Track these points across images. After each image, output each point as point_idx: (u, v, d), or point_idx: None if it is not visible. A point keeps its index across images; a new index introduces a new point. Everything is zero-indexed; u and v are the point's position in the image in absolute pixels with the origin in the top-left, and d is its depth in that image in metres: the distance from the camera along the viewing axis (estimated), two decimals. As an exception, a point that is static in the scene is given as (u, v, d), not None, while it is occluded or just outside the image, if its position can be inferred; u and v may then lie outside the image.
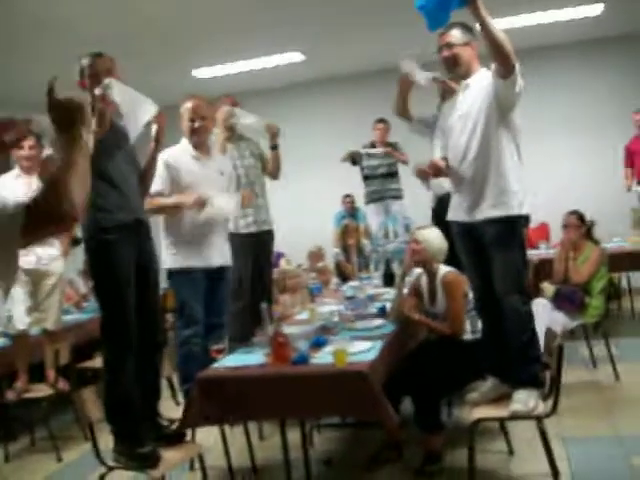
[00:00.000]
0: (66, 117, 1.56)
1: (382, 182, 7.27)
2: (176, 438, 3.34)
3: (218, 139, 4.64)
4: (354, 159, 7.38)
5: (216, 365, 3.42)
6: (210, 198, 4.04)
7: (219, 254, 4.29)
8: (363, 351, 3.31)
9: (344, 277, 6.55)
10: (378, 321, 4.05)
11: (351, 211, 8.68)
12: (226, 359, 3.58)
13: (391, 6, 6.17)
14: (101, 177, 3.25)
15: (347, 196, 8.72)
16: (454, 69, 3.58)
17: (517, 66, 3.25)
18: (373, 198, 7.34)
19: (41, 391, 4.68)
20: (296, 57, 7.70)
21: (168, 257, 4.18)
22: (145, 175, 3.65)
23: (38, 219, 1.42)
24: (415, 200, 7.03)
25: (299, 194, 9.16)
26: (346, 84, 9.08)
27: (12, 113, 1.84)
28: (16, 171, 4.88)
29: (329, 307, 4.59)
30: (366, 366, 3.08)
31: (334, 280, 6.37)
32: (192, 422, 3.28)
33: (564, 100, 8.53)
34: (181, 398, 3.93)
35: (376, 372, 3.12)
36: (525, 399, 3.23)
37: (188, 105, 4.23)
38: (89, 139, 1.60)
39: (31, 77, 7.01)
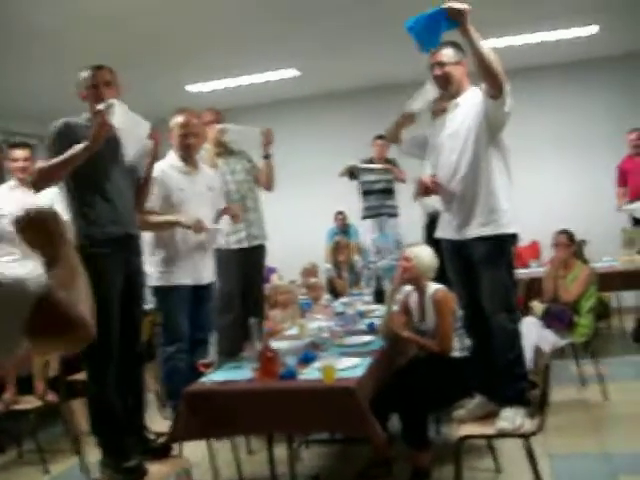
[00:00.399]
0: (44, 230, 1.47)
1: (379, 198, 7.28)
2: (163, 452, 3.34)
3: (208, 155, 4.63)
4: (352, 173, 7.39)
5: (203, 379, 3.42)
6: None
7: (207, 271, 4.31)
8: (351, 367, 3.32)
9: (335, 293, 6.56)
10: (367, 337, 4.07)
11: (343, 227, 8.71)
12: (214, 373, 3.58)
13: (387, 24, 6.22)
14: (94, 190, 3.28)
15: (339, 213, 8.76)
16: (445, 87, 3.63)
17: (507, 86, 3.29)
18: (369, 214, 7.36)
19: (29, 403, 4.63)
20: (291, 73, 7.75)
21: (156, 274, 4.14)
22: (141, 191, 3.68)
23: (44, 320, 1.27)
24: (409, 218, 7.07)
25: (292, 210, 9.17)
26: (341, 100, 9.13)
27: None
28: (12, 182, 4.89)
29: (319, 323, 4.59)
30: (354, 382, 3.09)
31: (325, 296, 6.37)
32: (179, 436, 3.28)
33: (556, 119, 8.59)
34: (168, 413, 3.92)
35: (364, 388, 3.13)
36: (512, 417, 3.25)
37: (179, 120, 4.25)
38: (72, 245, 1.52)
39: (24, 86, 7.08)
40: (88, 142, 3.17)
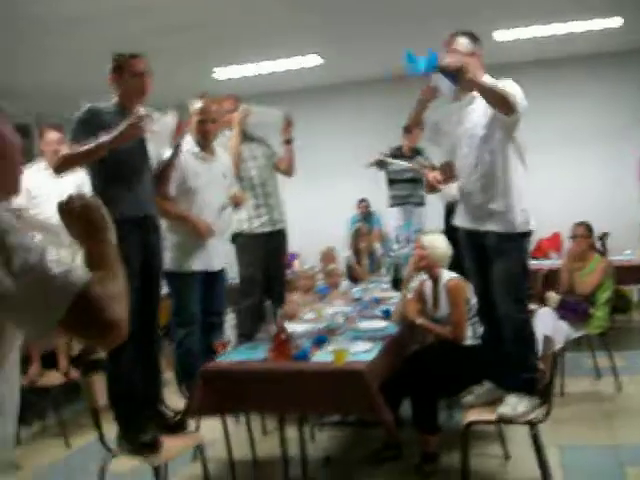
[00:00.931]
0: (91, 224, 1.50)
1: (407, 187, 7.27)
2: (178, 428, 3.45)
3: (232, 143, 4.68)
4: (381, 162, 7.38)
5: (219, 359, 3.52)
6: None
7: (219, 257, 4.39)
8: (363, 351, 3.41)
9: (354, 279, 6.63)
10: (381, 323, 4.14)
11: (365, 215, 8.77)
12: (229, 353, 3.69)
13: (411, 12, 6.25)
14: (114, 173, 3.37)
15: (362, 200, 8.82)
16: (458, 80, 3.59)
17: (518, 104, 3.30)
18: (396, 202, 7.38)
19: (53, 379, 4.81)
20: (315, 60, 7.79)
21: (168, 259, 4.15)
22: (161, 175, 3.77)
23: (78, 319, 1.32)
24: (434, 207, 7.09)
25: (315, 197, 9.25)
26: (365, 89, 9.15)
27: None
28: (41, 164, 5.00)
29: (336, 308, 4.68)
30: (364, 365, 3.17)
31: (344, 282, 6.45)
32: (194, 412, 3.39)
33: (578, 110, 8.53)
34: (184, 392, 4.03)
35: (373, 372, 3.21)
36: (514, 404, 3.30)
37: (198, 105, 4.31)
38: (114, 239, 1.54)
39: (57, 70, 7.22)
40: (115, 136, 3.24)
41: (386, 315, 4.34)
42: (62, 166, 3.41)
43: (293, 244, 7.96)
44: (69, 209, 1.51)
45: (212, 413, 3.49)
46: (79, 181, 4.43)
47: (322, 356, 3.39)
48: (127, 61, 3.48)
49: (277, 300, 4.48)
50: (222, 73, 8.03)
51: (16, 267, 1.28)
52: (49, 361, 4.82)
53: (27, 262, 1.29)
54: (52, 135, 5.00)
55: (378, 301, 4.83)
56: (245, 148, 4.74)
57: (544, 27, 7.01)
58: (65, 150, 3.44)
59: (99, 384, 3.29)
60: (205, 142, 4.34)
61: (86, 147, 3.27)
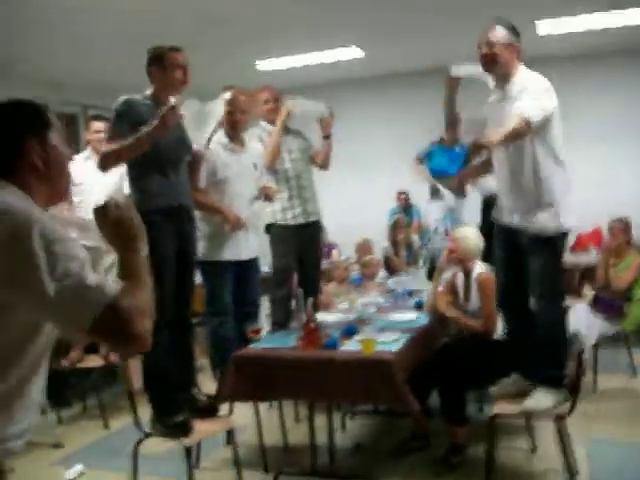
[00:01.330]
0: (124, 233, 1.59)
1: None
2: (210, 412, 3.55)
3: (272, 138, 4.70)
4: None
5: (252, 345, 3.62)
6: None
7: (249, 247, 4.47)
8: (391, 341, 3.46)
9: (391, 271, 6.67)
10: (413, 314, 4.18)
11: (404, 207, 8.78)
12: (262, 341, 3.78)
13: (452, 5, 6.22)
14: (151, 164, 3.47)
15: (402, 193, 8.83)
16: (491, 69, 3.56)
17: (532, 121, 3.28)
18: (437, 196, 7.34)
19: (93, 362, 4.97)
20: (356, 53, 7.81)
21: (202, 248, 4.24)
22: (192, 168, 3.87)
23: (104, 329, 1.45)
24: (475, 201, 7.06)
25: (356, 188, 9.31)
26: (404, 81, 9.14)
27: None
28: (86, 153, 5.16)
29: (370, 299, 4.73)
30: (391, 355, 3.22)
31: (381, 273, 6.50)
32: (226, 396, 3.49)
33: (614, 105, 8.37)
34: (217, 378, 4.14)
35: (401, 362, 3.25)
36: (540, 398, 3.31)
37: (227, 96, 4.37)
38: (145, 249, 1.62)
39: (100, 62, 7.40)
40: (152, 129, 3.30)
41: (418, 306, 4.38)
42: (105, 163, 3.48)
43: (332, 235, 8.07)
44: (104, 214, 1.61)
45: (243, 399, 3.58)
46: (122, 170, 4.56)
47: (351, 345, 3.45)
48: (166, 54, 3.56)
49: (311, 290, 4.55)
50: (264, 65, 8.10)
51: (58, 273, 1.43)
52: (90, 345, 4.98)
53: (69, 270, 1.44)
54: (97, 125, 5.15)
55: (411, 293, 4.87)
56: (280, 141, 4.80)
57: (583, 19, 6.89)
58: (106, 146, 3.51)
59: (135, 368, 3.42)
60: (234, 133, 4.42)
61: (126, 143, 3.34)
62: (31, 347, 1.57)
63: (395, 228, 7.02)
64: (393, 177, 8.75)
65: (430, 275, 5.48)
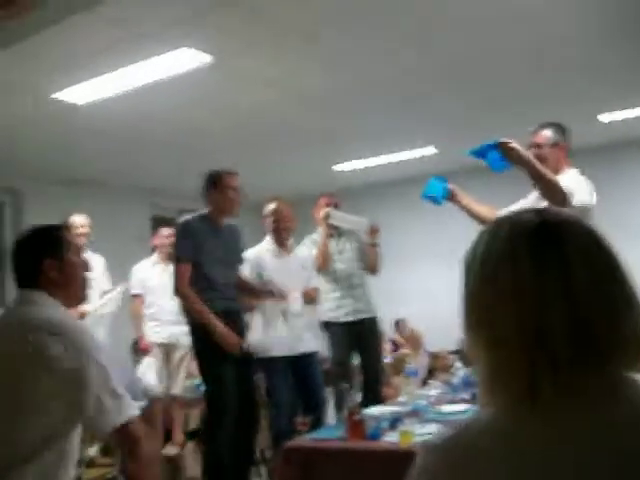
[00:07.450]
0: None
1: None
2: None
3: (320, 240, 5.09)
4: None
5: (300, 437, 3.86)
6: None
7: (302, 342, 4.73)
8: (428, 433, 3.60)
9: (467, 362, 6.73)
10: (464, 407, 4.28)
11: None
12: (313, 432, 4.02)
13: (521, 100, 6.44)
14: (201, 276, 3.90)
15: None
16: None
17: (573, 197, 3.38)
18: None
19: (171, 451, 5.31)
20: (429, 151, 8.15)
21: (255, 344, 4.51)
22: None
23: None
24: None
25: (428, 280, 9.51)
26: (476, 175, 9.33)
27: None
28: (154, 258, 5.70)
29: (427, 391, 4.86)
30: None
31: (456, 364, 6.58)
32: (276, 486, 3.73)
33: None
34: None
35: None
36: None
37: (272, 207, 4.77)
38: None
39: (176, 172, 8.08)
40: (221, 338, 3.87)
41: (473, 398, 4.47)
42: (181, 300, 3.99)
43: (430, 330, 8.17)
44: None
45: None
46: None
47: (392, 436, 3.63)
48: (222, 177, 3.99)
49: (372, 383, 4.78)
50: (342, 166, 8.55)
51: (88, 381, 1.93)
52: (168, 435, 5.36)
53: (96, 379, 1.95)
54: (164, 231, 5.70)
55: (469, 383, 4.95)
56: (332, 242, 5.15)
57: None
58: (186, 287, 3.97)
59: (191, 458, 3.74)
60: (280, 239, 4.77)
61: (206, 316, 3.88)
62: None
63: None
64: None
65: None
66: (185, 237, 3.87)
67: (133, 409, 1.97)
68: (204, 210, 4.07)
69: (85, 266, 2.24)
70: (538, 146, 3.74)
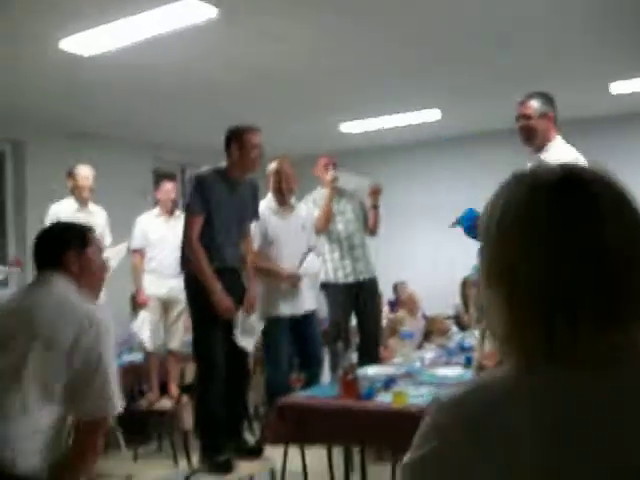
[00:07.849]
0: None
1: None
2: (256, 453, 3.86)
3: (324, 202, 5.10)
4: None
5: (294, 394, 3.91)
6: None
7: (304, 301, 4.78)
8: (423, 396, 3.65)
9: (463, 327, 6.80)
10: (458, 370, 4.32)
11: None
12: (307, 390, 4.06)
13: (527, 68, 6.37)
14: (208, 232, 3.91)
15: (482, 249, 8.92)
16: (529, 140, 3.76)
17: None
18: None
19: (167, 405, 5.38)
20: (434, 114, 8.08)
21: (258, 305, 4.50)
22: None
23: None
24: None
25: (432, 246, 9.48)
26: (481, 142, 9.28)
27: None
28: (156, 211, 5.72)
29: (423, 353, 4.90)
30: (418, 409, 3.42)
31: (453, 329, 6.66)
32: (268, 440, 3.79)
33: None
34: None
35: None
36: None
37: (275, 166, 4.78)
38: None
39: (182, 125, 8.03)
40: (214, 297, 3.83)
41: (467, 362, 4.52)
42: (190, 255, 3.97)
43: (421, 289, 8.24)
44: None
45: (283, 441, 3.86)
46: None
47: (386, 397, 3.67)
48: (243, 134, 3.96)
49: (370, 344, 4.82)
50: (346, 127, 8.49)
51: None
52: (165, 388, 5.43)
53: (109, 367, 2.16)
54: (166, 186, 5.72)
55: (466, 349, 5.00)
56: (334, 203, 5.15)
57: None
58: (195, 243, 3.96)
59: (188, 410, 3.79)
60: (282, 199, 4.79)
61: (207, 276, 3.85)
62: None
63: (465, 286, 7.17)
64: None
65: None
66: (197, 191, 3.86)
67: (119, 407, 2.15)
68: (222, 164, 4.05)
69: (104, 268, 2.36)
70: (527, 117, 3.73)
